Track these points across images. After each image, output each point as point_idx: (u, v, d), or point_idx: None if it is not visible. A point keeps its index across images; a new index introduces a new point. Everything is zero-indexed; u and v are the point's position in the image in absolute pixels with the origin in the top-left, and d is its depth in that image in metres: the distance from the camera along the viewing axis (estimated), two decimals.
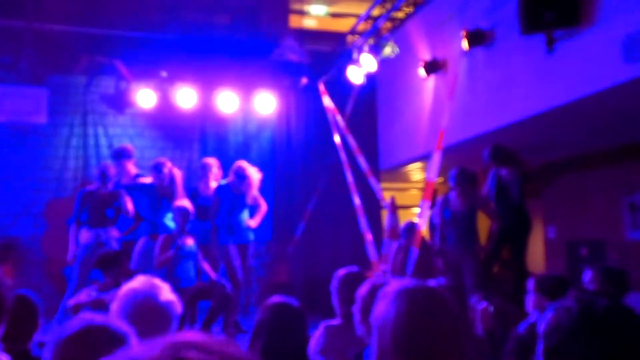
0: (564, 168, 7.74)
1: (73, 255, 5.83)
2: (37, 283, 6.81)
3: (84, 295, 4.77)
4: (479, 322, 3.59)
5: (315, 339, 3.03)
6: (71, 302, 4.85)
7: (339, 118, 7.59)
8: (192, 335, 0.77)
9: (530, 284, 3.41)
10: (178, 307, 2.18)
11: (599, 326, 1.27)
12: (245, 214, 6.09)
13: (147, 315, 2.07)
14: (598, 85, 4.59)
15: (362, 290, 2.53)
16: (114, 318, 1.77)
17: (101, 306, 4.42)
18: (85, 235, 5.83)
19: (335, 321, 3.13)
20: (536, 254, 8.04)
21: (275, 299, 2.70)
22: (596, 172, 7.39)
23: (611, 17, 4.46)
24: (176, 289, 4.71)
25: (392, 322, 1.46)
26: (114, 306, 2.14)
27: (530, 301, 3.42)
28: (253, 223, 6.12)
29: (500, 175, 5.97)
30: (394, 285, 1.57)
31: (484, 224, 6.49)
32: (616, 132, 6.01)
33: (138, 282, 2.21)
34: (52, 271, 7.27)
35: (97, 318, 1.62)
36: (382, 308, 1.52)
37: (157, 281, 2.24)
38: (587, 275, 3.53)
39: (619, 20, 4.38)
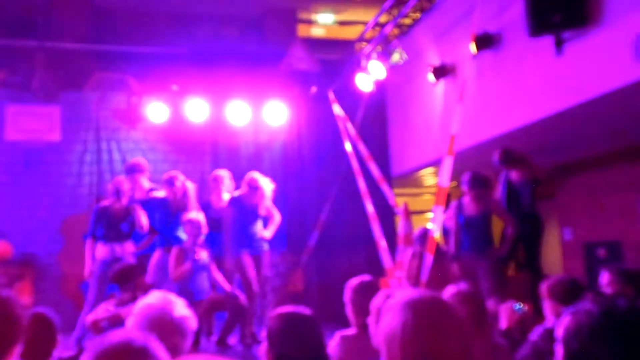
0: (578, 169, 7.68)
1: (90, 270, 5.87)
2: (55, 299, 6.87)
3: (101, 310, 4.80)
4: (503, 319, 3.56)
5: (331, 349, 3.03)
6: (89, 317, 4.88)
7: (349, 126, 7.60)
8: None
9: (543, 290, 3.36)
10: (193, 322, 2.19)
11: (623, 328, 1.24)
12: (259, 225, 6.10)
13: (162, 330, 2.08)
14: (608, 85, 4.56)
15: (377, 301, 2.53)
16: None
17: (119, 321, 4.45)
18: (101, 251, 5.87)
19: (350, 331, 3.13)
20: (553, 256, 7.97)
21: (285, 308, 2.69)
22: (611, 173, 7.32)
23: (620, 17, 4.43)
24: (191, 301, 4.73)
25: (399, 334, 1.45)
26: (130, 322, 2.16)
27: (546, 306, 3.37)
28: (267, 234, 6.13)
29: (510, 178, 5.93)
30: (399, 297, 1.56)
31: (498, 228, 6.44)
32: (629, 131, 5.96)
33: (153, 297, 2.23)
34: (70, 287, 7.33)
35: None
36: (388, 320, 1.51)
37: (172, 296, 2.25)
38: (604, 277, 3.49)
39: (628, 19, 4.36)
